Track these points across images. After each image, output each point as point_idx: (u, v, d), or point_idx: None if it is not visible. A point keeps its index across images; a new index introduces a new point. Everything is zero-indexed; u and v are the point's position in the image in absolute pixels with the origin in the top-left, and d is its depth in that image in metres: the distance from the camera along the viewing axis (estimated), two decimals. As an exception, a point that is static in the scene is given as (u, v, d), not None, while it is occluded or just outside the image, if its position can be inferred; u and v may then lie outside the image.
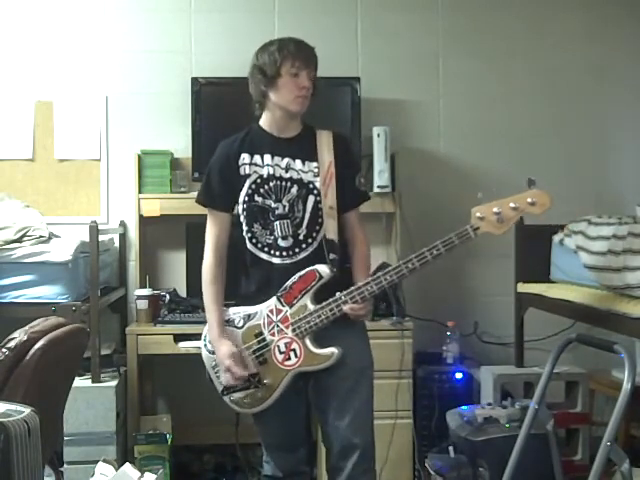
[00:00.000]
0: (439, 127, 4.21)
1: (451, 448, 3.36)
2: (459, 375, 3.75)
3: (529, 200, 2.26)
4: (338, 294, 2.38)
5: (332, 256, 2.45)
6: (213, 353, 2.52)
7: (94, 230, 3.42)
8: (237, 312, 2.51)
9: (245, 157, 2.49)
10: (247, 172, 2.48)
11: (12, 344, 2.42)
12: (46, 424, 2.09)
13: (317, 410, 2.53)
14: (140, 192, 3.90)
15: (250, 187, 2.48)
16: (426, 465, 3.46)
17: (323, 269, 2.41)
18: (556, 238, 3.40)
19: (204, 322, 3.51)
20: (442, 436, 3.54)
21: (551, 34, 4.25)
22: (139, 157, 3.93)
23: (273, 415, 2.49)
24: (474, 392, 3.76)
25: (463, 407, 3.33)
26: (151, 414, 3.88)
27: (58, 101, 4.06)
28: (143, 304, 3.73)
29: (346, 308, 2.36)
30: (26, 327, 2.52)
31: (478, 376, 3.77)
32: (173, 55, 4.11)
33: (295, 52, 2.44)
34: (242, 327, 2.49)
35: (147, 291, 3.76)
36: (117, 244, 4.06)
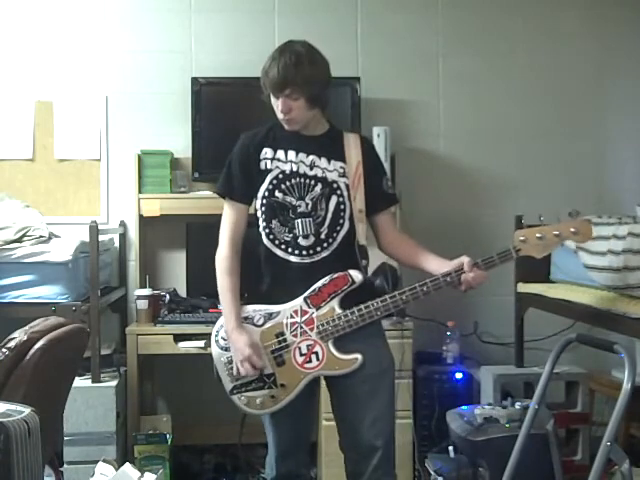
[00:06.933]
0: (439, 127, 4.21)
1: (451, 448, 3.36)
2: (459, 375, 3.75)
3: (572, 229, 2.33)
4: (371, 302, 2.34)
5: (364, 262, 2.42)
6: (226, 350, 2.41)
7: (94, 230, 3.42)
8: (258, 310, 2.41)
9: (267, 152, 2.42)
10: (268, 167, 2.41)
11: (12, 344, 2.42)
12: (46, 424, 2.09)
13: (336, 413, 2.46)
14: (140, 192, 3.90)
15: (271, 182, 2.40)
16: (426, 465, 3.46)
17: (356, 274, 2.36)
18: (556, 238, 3.39)
19: (204, 322, 3.51)
20: (442, 436, 3.54)
21: (551, 33, 4.24)
22: (139, 157, 3.93)
23: (286, 417, 2.42)
24: (474, 392, 3.76)
25: (463, 407, 3.32)
26: (151, 414, 3.88)
27: (58, 101, 4.06)
28: (143, 304, 3.72)
29: (470, 275, 2.28)
30: (26, 327, 2.53)
31: (478, 376, 3.77)
32: (173, 55, 4.11)
33: (267, 78, 2.33)
34: (262, 325, 2.39)
35: (147, 291, 3.75)
36: (117, 244, 4.06)
